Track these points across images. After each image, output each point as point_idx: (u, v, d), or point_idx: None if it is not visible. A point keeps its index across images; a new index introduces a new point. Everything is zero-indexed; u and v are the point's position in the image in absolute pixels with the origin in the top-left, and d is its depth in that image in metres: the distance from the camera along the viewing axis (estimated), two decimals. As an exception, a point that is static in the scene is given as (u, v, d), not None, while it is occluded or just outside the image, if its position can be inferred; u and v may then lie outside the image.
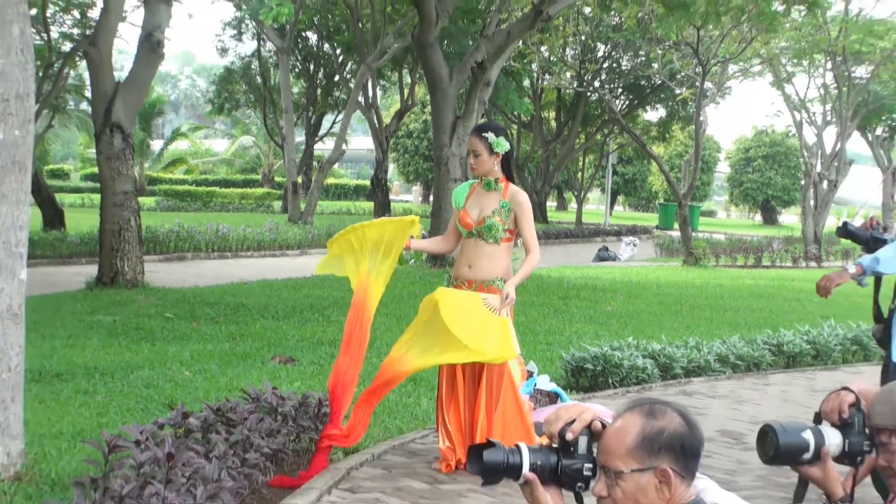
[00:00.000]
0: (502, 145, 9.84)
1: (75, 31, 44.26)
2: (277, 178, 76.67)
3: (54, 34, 42.67)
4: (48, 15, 41.47)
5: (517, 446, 4.26)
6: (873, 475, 5.45)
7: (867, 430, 4.96)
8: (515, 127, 61.87)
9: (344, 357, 9.77)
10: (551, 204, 77.95)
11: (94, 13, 40.31)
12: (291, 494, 8.89)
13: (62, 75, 43.24)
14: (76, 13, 44.80)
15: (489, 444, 4.28)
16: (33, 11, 24.11)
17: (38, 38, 34.74)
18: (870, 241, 9.25)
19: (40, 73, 34.82)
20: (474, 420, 9.79)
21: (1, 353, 8.62)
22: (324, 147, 61.52)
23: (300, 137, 58.72)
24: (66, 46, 43.27)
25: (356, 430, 9.89)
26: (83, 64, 36.60)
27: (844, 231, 9.71)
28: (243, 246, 39.24)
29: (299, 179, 56.32)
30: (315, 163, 58.90)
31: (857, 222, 9.89)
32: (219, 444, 8.71)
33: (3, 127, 8.64)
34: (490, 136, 9.86)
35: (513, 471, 4.21)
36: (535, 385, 11.94)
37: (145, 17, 24.12)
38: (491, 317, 9.53)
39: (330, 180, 58.16)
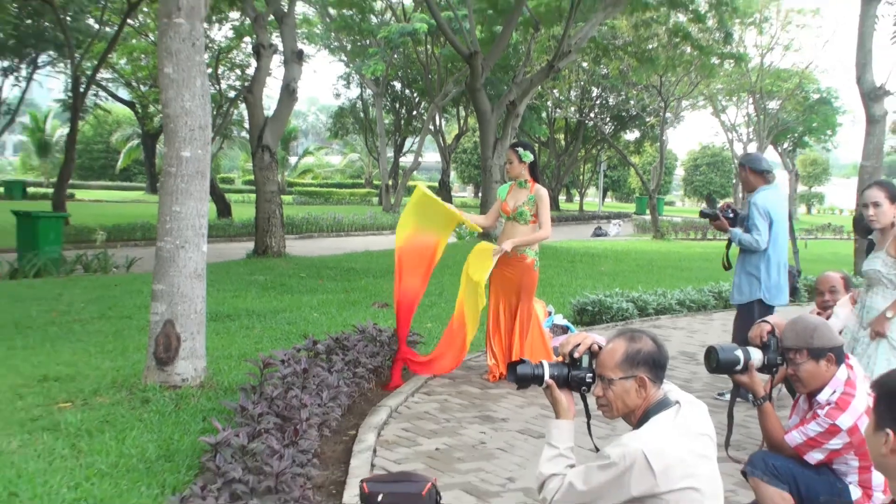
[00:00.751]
0: (528, 156, 9.97)
1: (237, 83, 44.51)
2: (375, 182, 76.74)
3: (223, 85, 42.94)
4: (219, 72, 41.71)
5: (541, 362, 4.31)
6: (785, 381, 5.45)
7: (779, 350, 5.05)
8: (536, 145, 61.71)
9: (412, 279, 9.89)
10: (562, 198, 77.62)
11: (250, 71, 40.55)
12: (387, 396, 8.94)
13: (229, 113, 43.46)
14: (238, 71, 45.08)
15: (521, 362, 4.35)
16: (209, 70, 24.13)
17: (212, 88, 34.94)
18: (717, 218, 9.51)
19: (214, 112, 35.03)
20: (511, 344, 9.88)
21: (190, 301, 8.69)
22: (406, 160, 61.69)
23: (390, 153, 58.90)
24: (231, 94, 43.52)
25: (443, 362, 9.99)
26: (243, 105, 36.74)
27: (701, 213, 9.96)
28: (352, 228, 39.38)
29: (389, 182, 56.50)
30: (400, 170, 59.04)
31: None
32: (337, 363, 8.77)
33: (191, 148, 8.69)
34: (520, 150, 10.03)
35: (538, 379, 4.27)
36: (553, 321, 11.96)
37: (285, 72, 24.22)
38: (488, 259, 9.73)
39: (410, 182, 58.21)
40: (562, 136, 64.47)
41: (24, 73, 44.13)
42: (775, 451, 5.17)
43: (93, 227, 27.00)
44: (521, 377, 4.32)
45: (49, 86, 64.32)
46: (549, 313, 12.13)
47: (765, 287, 9.26)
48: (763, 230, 9.15)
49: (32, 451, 6.70)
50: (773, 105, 61.63)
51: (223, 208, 38.70)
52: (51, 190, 43.51)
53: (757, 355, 5.09)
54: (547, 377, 4.28)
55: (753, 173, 9.38)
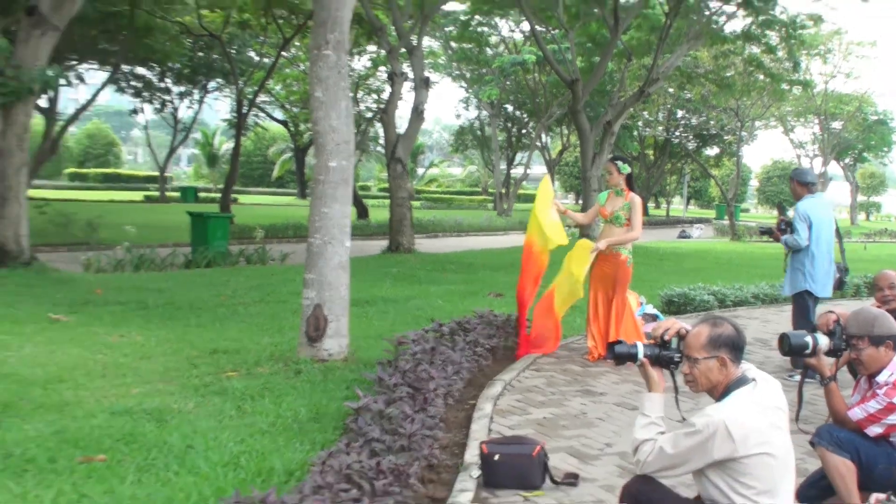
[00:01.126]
0: (625, 168, 9.94)
1: (373, 105, 44.92)
2: (490, 190, 76.60)
3: (362, 107, 43.36)
4: (358, 96, 42.12)
5: (635, 343, 4.32)
6: (848, 364, 5.42)
7: (844, 336, 5.04)
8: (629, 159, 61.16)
9: (524, 282, 10.04)
10: (651, 205, 76.75)
11: (384, 95, 40.89)
12: (502, 371, 8.97)
13: (367, 131, 43.91)
14: (374, 95, 45.48)
15: (619, 342, 4.36)
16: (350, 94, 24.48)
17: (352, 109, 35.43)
18: (773, 233, 9.94)
19: (354, 130, 35.48)
20: (608, 329, 9.83)
21: (336, 288, 8.82)
22: (516, 171, 61.64)
23: (503, 166, 58.88)
24: (368, 114, 43.94)
25: (548, 344, 10.03)
26: (379, 124, 37.10)
27: (760, 231, 10.45)
28: (471, 229, 39.61)
29: (503, 190, 56.56)
30: (511, 180, 59.04)
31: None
32: (460, 342, 8.84)
33: (337, 159, 8.84)
34: (619, 163, 9.99)
35: (632, 357, 4.28)
36: (644, 310, 11.88)
37: (415, 96, 24.40)
38: (587, 256, 9.85)
39: (520, 191, 58.48)
40: (651, 152, 63.76)
41: (196, 96, 45.26)
42: (839, 425, 5.13)
43: (253, 226, 27.44)
44: (619, 355, 4.35)
45: (217, 107, 65.75)
46: (641, 303, 12.05)
47: (810, 278, 9.51)
48: (801, 231, 9.44)
49: (205, 411, 6.89)
50: (836, 125, 61.03)
51: (362, 211, 39.14)
52: (218, 195, 44.36)
53: (824, 341, 5.06)
54: (641, 356, 4.30)
55: (800, 185, 9.75)
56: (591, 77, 30.84)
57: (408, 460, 5.31)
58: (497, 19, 42.25)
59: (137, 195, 58.13)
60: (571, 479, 5.75)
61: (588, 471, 6.03)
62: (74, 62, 34.32)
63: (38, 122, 27.98)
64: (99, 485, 5.20)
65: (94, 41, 30.30)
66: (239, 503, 4.28)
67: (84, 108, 34.87)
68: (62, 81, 32.19)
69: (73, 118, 36.22)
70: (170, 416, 6.67)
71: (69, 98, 51.26)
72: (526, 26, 38.56)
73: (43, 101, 29.60)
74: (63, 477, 5.32)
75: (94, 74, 41.35)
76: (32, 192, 17.69)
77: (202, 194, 58.70)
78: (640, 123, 57.72)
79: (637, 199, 9.95)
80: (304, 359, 8.69)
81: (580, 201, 42.47)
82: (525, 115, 57.76)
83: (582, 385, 8.70)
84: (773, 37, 32.03)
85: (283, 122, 58.99)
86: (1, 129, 15.93)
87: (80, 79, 37.55)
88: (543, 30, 33.30)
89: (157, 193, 57.64)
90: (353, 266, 9.24)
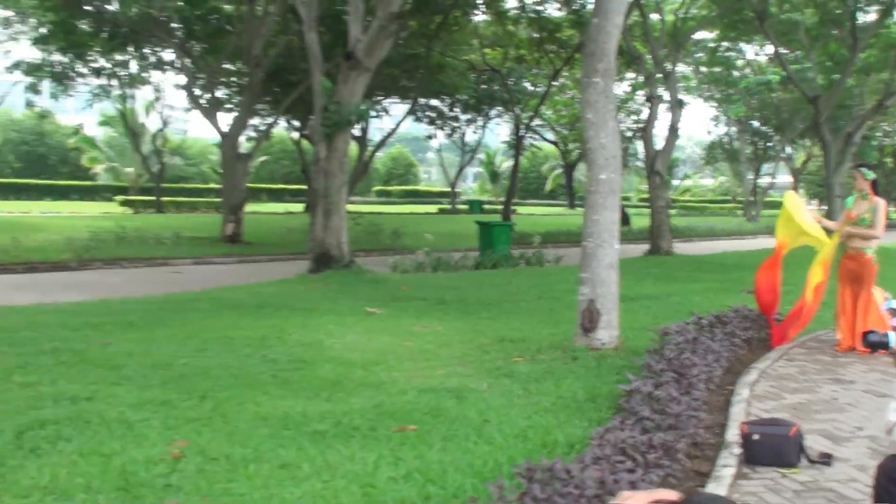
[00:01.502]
0: (870, 175, 9.39)
1: (633, 125, 44.53)
2: (739, 198, 74.04)
3: (622, 127, 42.95)
4: (619, 117, 41.80)
5: (887, 332, 4.11)
6: None
7: None
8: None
9: (762, 277, 10.02)
10: (892, 209, 72.31)
11: (642, 116, 40.40)
12: (757, 360, 8.65)
13: (627, 148, 43.43)
14: (633, 116, 45.09)
15: (872, 332, 4.17)
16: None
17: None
18: None
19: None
20: (854, 322, 9.28)
21: (607, 285, 8.75)
22: (762, 181, 59.42)
23: (750, 176, 57.04)
24: (628, 133, 43.55)
25: (789, 335, 9.66)
26: (637, 141, 36.71)
27: None
28: (722, 233, 38.90)
29: (751, 198, 54.99)
30: (758, 189, 57.02)
31: None
32: (718, 334, 8.60)
33: (606, 172, 8.79)
34: (864, 169, 9.47)
35: (885, 345, 4.10)
36: (890, 305, 11.20)
37: (671, 116, 24.02)
38: (833, 242, 9.51)
39: (766, 199, 56.60)
40: (889, 160, 59.99)
41: (480, 123, 46.20)
42: None
43: (531, 233, 27.69)
44: (872, 343, 4.18)
45: (497, 132, 67.01)
46: (887, 298, 11.37)
47: None
48: None
49: (497, 391, 6.99)
50: None
51: (624, 219, 38.81)
52: (500, 206, 45.16)
53: None
54: (892, 344, 4.08)
55: None
56: (832, 93, 29.46)
57: (675, 437, 5.23)
58: (742, 44, 41.02)
59: (432, 208, 59.92)
60: (826, 459, 5.48)
61: (841, 452, 5.72)
62: (381, 97, 35.86)
63: (352, 148, 29.32)
64: (411, 451, 5.39)
65: (396, 79, 31.54)
66: (530, 469, 4.32)
67: (389, 135, 36.27)
68: (372, 114, 33.75)
69: (381, 144, 37.79)
70: (467, 394, 6.81)
71: (376, 128, 53.51)
72: (770, 49, 37.26)
73: (356, 131, 31.03)
74: (382, 443, 5.54)
75: (397, 107, 43.04)
76: (349, 207, 18.57)
77: (486, 206, 59.78)
78: (878, 134, 54.55)
79: (881, 202, 9.39)
80: (580, 347, 8.68)
81: (823, 206, 40.46)
82: (770, 130, 55.75)
83: (832, 373, 8.25)
84: None
85: (554, 143, 59.45)
86: (326, 154, 16.83)
87: (385, 111, 39.15)
88: (786, 51, 32.09)
89: (448, 206, 59.29)
90: (619, 266, 9.16)
